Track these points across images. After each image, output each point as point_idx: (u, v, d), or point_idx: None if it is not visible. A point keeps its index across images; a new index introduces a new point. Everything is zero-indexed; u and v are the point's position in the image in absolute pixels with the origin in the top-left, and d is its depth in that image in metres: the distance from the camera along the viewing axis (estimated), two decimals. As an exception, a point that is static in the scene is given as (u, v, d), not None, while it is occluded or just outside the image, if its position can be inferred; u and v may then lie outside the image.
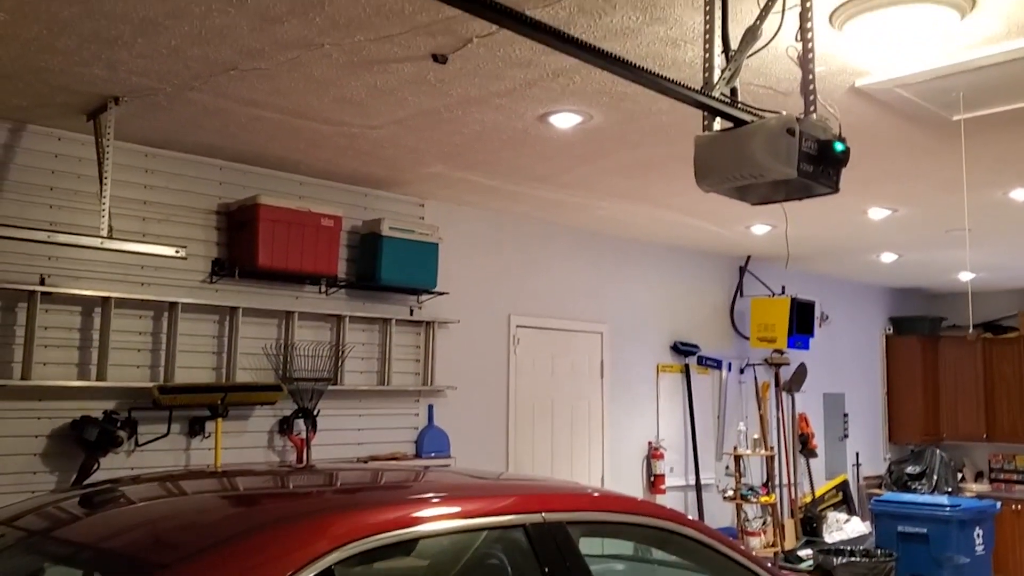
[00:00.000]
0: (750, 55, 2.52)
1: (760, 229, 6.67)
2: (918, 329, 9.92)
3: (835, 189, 2.40)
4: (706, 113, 2.49)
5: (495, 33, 3.09)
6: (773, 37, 2.55)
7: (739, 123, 2.38)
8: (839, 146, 2.35)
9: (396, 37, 3.15)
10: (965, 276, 8.94)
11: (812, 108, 2.35)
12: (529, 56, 3.32)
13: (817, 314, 8.28)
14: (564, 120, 4.06)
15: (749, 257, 8.04)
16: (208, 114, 4.05)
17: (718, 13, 2.57)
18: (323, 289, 5.17)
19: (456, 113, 4.01)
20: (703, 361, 7.66)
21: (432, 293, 5.54)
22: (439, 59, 3.32)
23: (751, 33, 2.47)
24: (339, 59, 3.37)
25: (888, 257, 7.78)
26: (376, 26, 3.06)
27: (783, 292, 7.85)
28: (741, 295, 8.06)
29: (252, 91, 3.72)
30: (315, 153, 4.70)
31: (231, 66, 3.44)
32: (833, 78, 3.47)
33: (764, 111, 2.47)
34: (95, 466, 4.15)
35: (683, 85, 2.25)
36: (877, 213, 5.93)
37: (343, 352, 5.18)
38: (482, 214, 6.11)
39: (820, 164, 2.33)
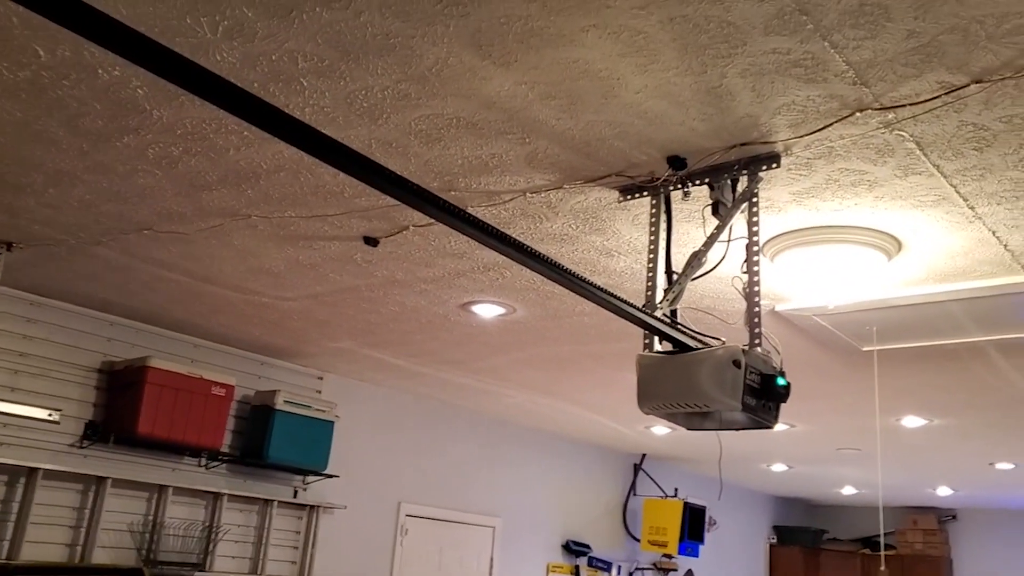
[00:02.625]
0: (693, 279, 2.51)
1: (660, 430, 6.65)
2: (801, 540, 9.95)
3: (773, 424, 2.34)
4: (647, 332, 2.43)
5: (433, 224, 3.02)
6: (717, 264, 2.56)
7: (680, 345, 2.32)
8: (781, 381, 2.31)
9: (330, 217, 3.04)
10: (848, 491, 9.10)
11: (757, 341, 2.33)
12: (463, 248, 3.25)
13: (706, 518, 8.20)
14: (487, 311, 3.98)
15: (644, 455, 7.99)
16: (109, 269, 3.79)
17: (663, 235, 2.57)
18: (203, 463, 4.77)
19: (377, 293, 3.88)
20: (594, 563, 7.39)
21: (321, 475, 5.19)
22: (371, 242, 3.22)
23: (696, 259, 2.46)
24: (264, 231, 3.22)
25: (779, 468, 7.87)
26: (311, 204, 2.95)
27: (675, 494, 7.77)
28: (635, 494, 7.93)
29: (163, 251, 3.51)
30: (216, 318, 4.45)
31: (146, 226, 3.24)
32: (756, 301, 3.52)
33: (703, 335, 2.43)
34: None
35: (629, 303, 2.18)
36: (776, 426, 5.99)
37: (216, 534, 4.72)
38: (383, 392, 5.88)
39: (762, 398, 2.27)
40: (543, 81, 2.13)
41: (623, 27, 1.90)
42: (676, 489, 7.97)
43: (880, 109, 2.13)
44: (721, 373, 2.20)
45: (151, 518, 4.50)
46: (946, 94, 2.03)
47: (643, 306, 2.49)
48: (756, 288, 2.37)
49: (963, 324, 3.53)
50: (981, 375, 4.33)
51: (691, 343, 2.33)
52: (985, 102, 2.05)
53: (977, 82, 1.98)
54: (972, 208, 2.58)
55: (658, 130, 2.31)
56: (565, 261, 3.28)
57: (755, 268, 2.38)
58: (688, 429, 2.53)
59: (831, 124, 2.20)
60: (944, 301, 3.27)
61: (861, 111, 2.14)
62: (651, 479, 8.00)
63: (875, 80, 2.01)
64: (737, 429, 2.44)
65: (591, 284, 2.08)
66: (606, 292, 2.13)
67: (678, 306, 2.55)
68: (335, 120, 2.38)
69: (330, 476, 5.24)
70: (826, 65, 1.97)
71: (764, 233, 2.88)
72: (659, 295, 2.50)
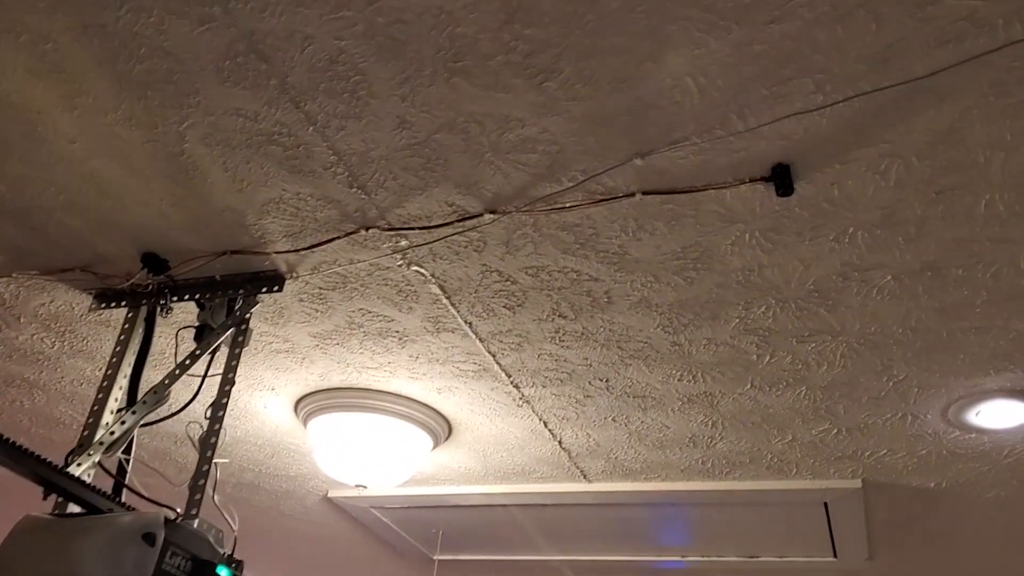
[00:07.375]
0: (149, 423, 1.85)
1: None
2: None
3: (207, 635, 1.66)
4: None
5: None
6: (186, 405, 1.94)
7: (91, 508, 1.63)
8: (225, 571, 1.67)
9: None
10: None
11: (195, 510, 1.69)
12: (-103, 354, 2.38)
13: None
14: None
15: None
16: None
17: (130, 358, 1.93)
18: None
19: None
20: None
21: None
22: None
23: (154, 395, 1.83)
24: None
25: None
26: None
27: None
28: None
29: None
30: None
31: None
32: (305, 481, 2.92)
33: (157, 503, 1.75)
34: None
35: (13, 444, 1.47)
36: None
37: None
38: None
39: (191, 595, 1.61)
40: (-72, 93, 1.50)
41: (21, 25, 1.34)
42: None
43: (389, 230, 1.70)
44: (118, 550, 1.52)
45: None
46: (459, 221, 1.65)
47: (71, 451, 1.80)
48: (214, 440, 1.76)
49: (533, 538, 3.13)
50: (567, 603, 3.94)
51: (105, 505, 1.65)
52: (506, 243, 1.70)
53: (491, 212, 1.62)
54: (517, 387, 2.21)
55: (119, 208, 1.73)
56: (52, 395, 2.51)
57: (220, 413, 1.79)
58: (95, 634, 1.78)
59: (334, 239, 1.74)
60: (508, 506, 2.86)
61: (367, 228, 1.71)
62: None
63: (375, 186, 1.59)
64: (155, 639, 1.74)
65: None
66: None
67: (128, 460, 1.87)
68: None
69: None
70: (310, 150, 1.52)
71: (292, 389, 2.34)
72: (98, 435, 1.82)
